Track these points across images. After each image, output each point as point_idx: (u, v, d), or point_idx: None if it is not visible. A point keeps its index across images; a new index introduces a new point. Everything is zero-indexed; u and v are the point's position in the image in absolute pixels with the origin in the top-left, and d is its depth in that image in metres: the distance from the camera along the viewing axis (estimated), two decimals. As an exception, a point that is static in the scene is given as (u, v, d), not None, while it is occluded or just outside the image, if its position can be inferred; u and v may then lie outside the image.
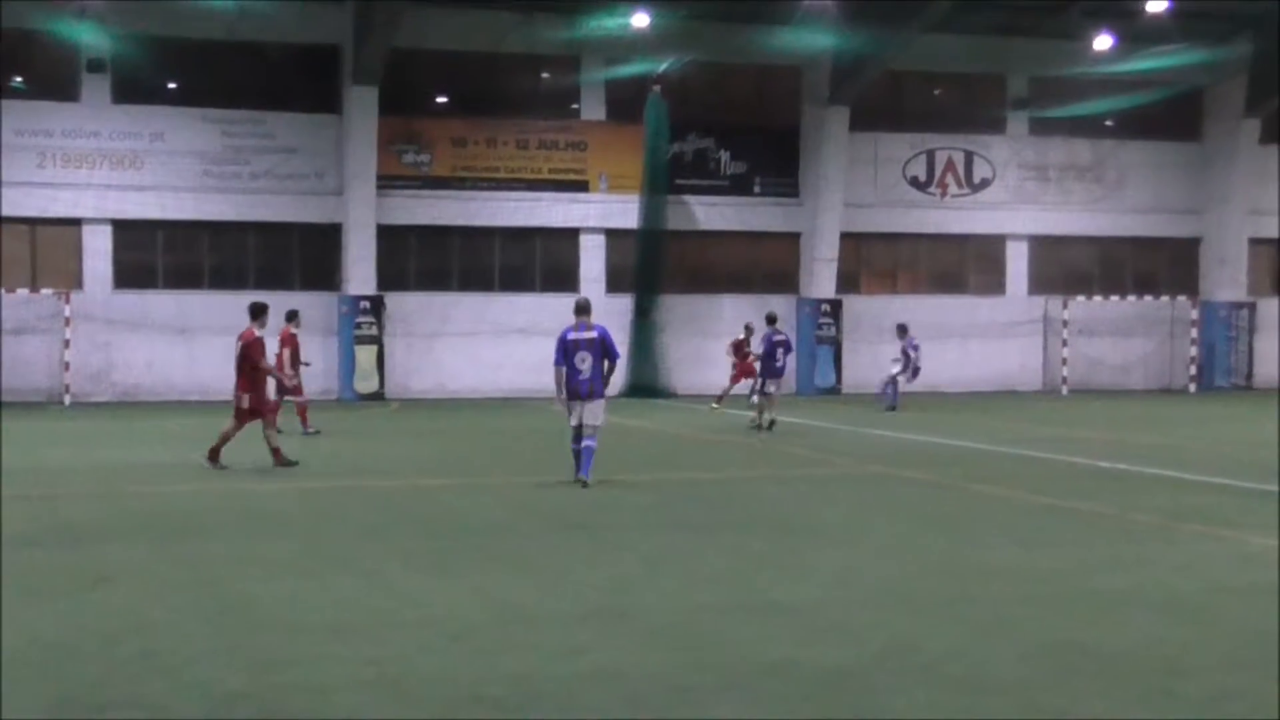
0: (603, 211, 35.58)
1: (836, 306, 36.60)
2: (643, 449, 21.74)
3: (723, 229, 36.50)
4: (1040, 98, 37.90)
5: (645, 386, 34.48)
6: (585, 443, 16.22)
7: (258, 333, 17.99)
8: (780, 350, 24.74)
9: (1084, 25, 35.36)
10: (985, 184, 38.03)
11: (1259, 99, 37.40)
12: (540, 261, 35.56)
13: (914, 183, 37.62)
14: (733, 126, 36.54)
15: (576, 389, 16.06)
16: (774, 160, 36.95)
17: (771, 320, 25.51)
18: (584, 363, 16.04)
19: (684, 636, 8.90)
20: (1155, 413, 30.36)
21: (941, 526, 13.59)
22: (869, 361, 36.06)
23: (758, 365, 25.39)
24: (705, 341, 34.88)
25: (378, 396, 33.09)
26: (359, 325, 33.27)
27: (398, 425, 26.50)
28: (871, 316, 36.75)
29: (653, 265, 35.29)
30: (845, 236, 36.47)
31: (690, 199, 36.12)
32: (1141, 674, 8.09)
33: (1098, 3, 35.04)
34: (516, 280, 35.04)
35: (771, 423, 24.63)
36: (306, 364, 23.84)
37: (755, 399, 25.42)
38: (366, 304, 33.30)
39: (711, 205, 36.32)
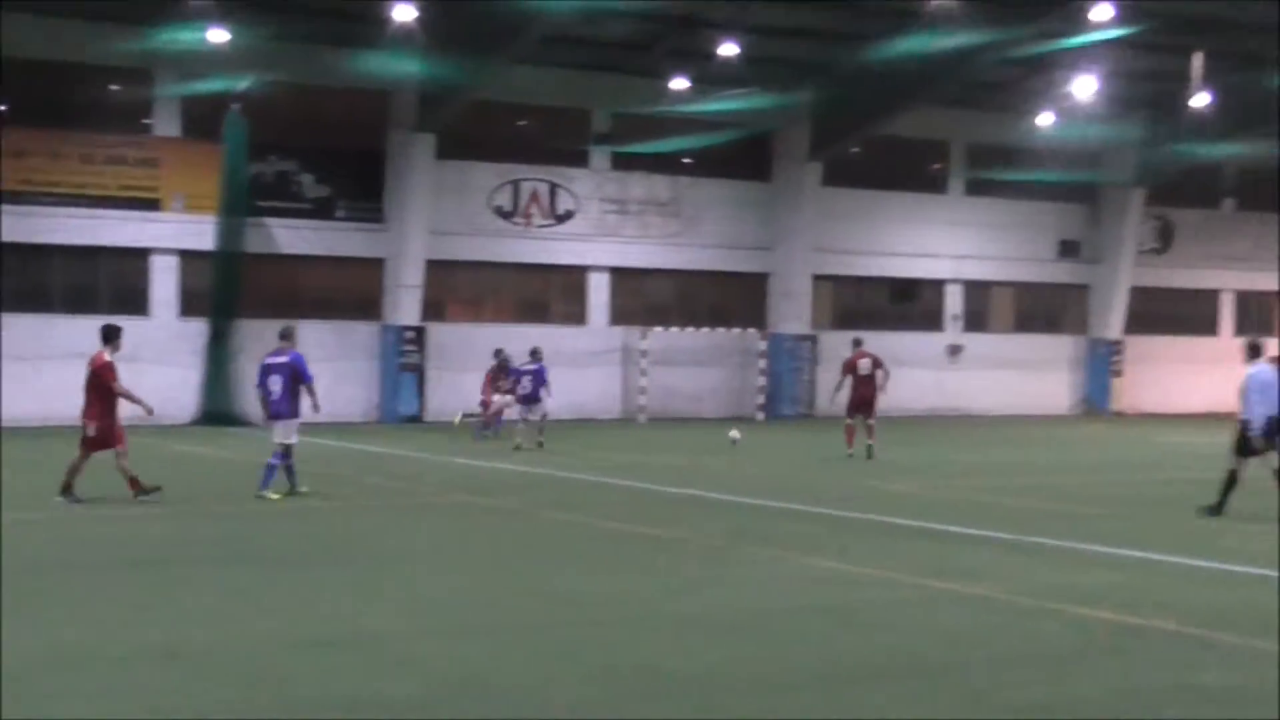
0: (176, 232, 34.19)
1: (420, 333, 36.39)
2: (216, 479, 20.96)
3: (305, 253, 35.70)
4: (622, 133, 38.89)
5: (219, 414, 33.29)
6: (271, 460, 17.57)
7: (108, 356, 16.90)
8: (527, 379, 27.32)
9: (664, 65, 36.54)
10: (569, 215, 38.68)
11: (822, 143, 39.57)
12: (106, 282, 33.81)
13: (499, 212, 37.87)
14: (317, 149, 35.85)
15: (267, 410, 17.61)
16: (359, 185, 36.47)
17: (533, 354, 27.78)
18: (275, 385, 17.41)
19: (244, 674, 8.52)
20: (725, 440, 31.45)
21: (517, 554, 13.62)
22: (453, 389, 36.01)
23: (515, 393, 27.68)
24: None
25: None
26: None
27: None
28: (456, 344, 36.73)
29: (230, 289, 34.17)
30: (430, 264, 36.31)
31: (271, 222, 35.18)
32: (702, 694, 8.26)
33: (678, 44, 36.27)
34: (80, 301, 33.15)
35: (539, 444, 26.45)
36: None
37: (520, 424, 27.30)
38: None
39: (293, 229, 35.48)
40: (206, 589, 11.39)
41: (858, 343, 26.82)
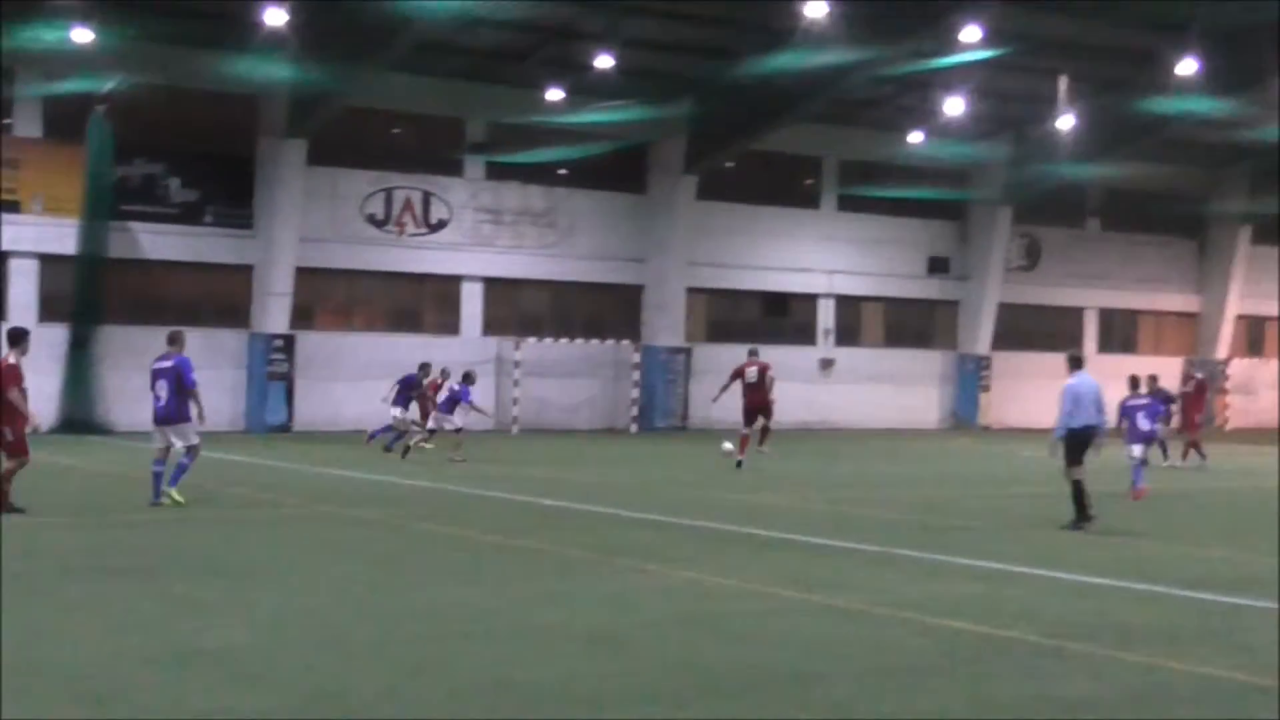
0: (36, 235, 33.35)
1: (290, 342, 35.86)
2: (76, 489, 20.45)
3: (171, 259, 35.04)
4: (497, 143, 38.70)
5: (80, 421, 32.52)
6: (155, 468, 17.71)
7: (13, 360, 16.39)
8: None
9: (540, 75, 36.45)
10: (442, 225, 38.39)
11: (697, 157, 39.74)
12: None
13: (371, 220, 37.48)
14: (184, 153, 35.23)
15: (156, 414, 17.60)
16: (228, 190, 35.88)
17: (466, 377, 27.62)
18: (162, 390, 17.49)
19: (94, 690, 8.25)
20: (598, 452, 31.45)
21: (383, 566, 13.41)
22: (323, 399, 35.53)
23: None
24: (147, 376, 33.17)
25: None
26: None
27: None
28: (326, 353, 36.27)
29: (92, 294, 33.39)
30: (300, 271, 35.82)
31: (136, 226, 34.47)
32: (561, 707, 8.17)
33: (554, 54, 36.22)
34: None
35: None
36: None
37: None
38: None
39: (159, 234, 34.81)
40: (58, 603, 11.05)
41: (752, 352, 27.18)
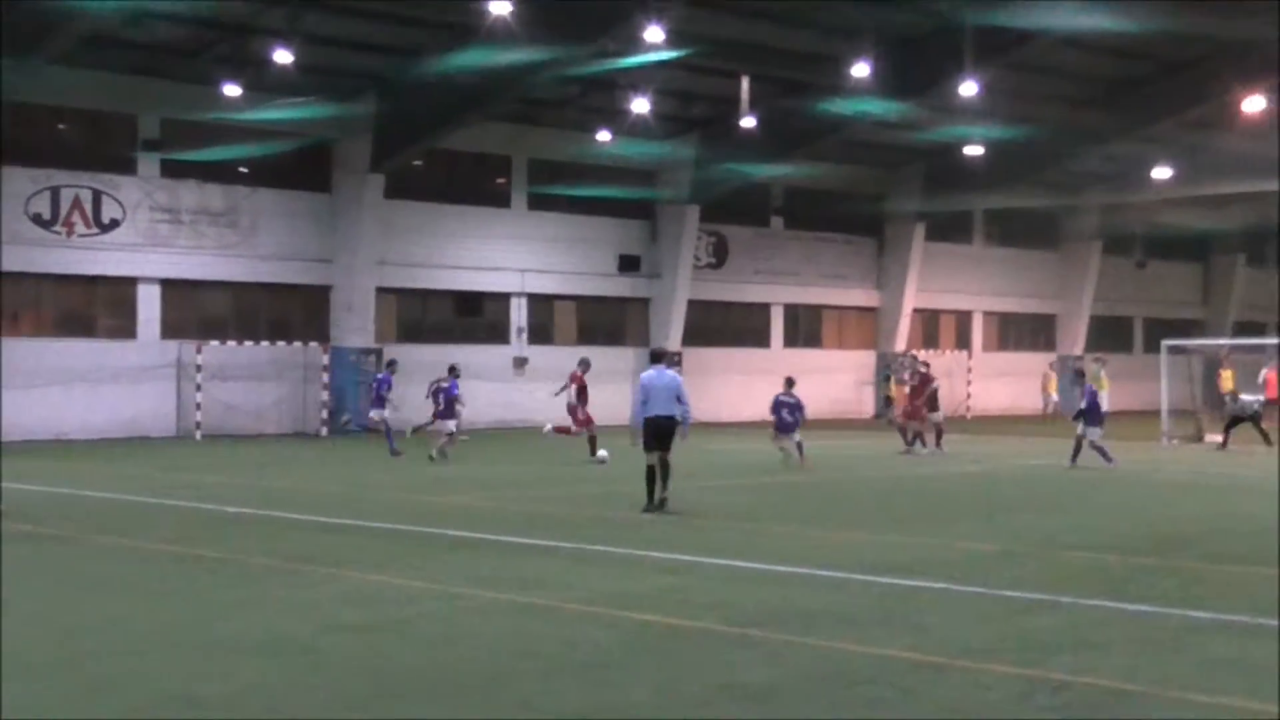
0: None
1: (-51, 350, 33.74)
2: None
3: None
4: (172, 140, 37.22)
5: None
6: None
7: None
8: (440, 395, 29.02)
9: (216, 71, 35.23)
10: (115, 225, 36.67)
11: (383, 155, 39.10)
12: None
13: (37, 220, 35.51)
14: None
15: None
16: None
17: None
18: None
19: None
20: (287, 456, 30.64)
21: (56, 583, 12.71)
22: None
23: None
24: None
25: None
26: None
27: None
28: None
29: None
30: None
31: None
32: (245, 717, 7.90)
33: (230, 50, 35.07)
34: None
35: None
36: None
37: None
38: None
39: None
40: None
41: (583, 362, 29.41)
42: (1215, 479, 24.59)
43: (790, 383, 27.78)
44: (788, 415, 27.11)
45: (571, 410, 28.63)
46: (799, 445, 27.09)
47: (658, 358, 19.18)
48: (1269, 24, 35.50)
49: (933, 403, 31.24)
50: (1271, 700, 8.18)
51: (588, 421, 28.44)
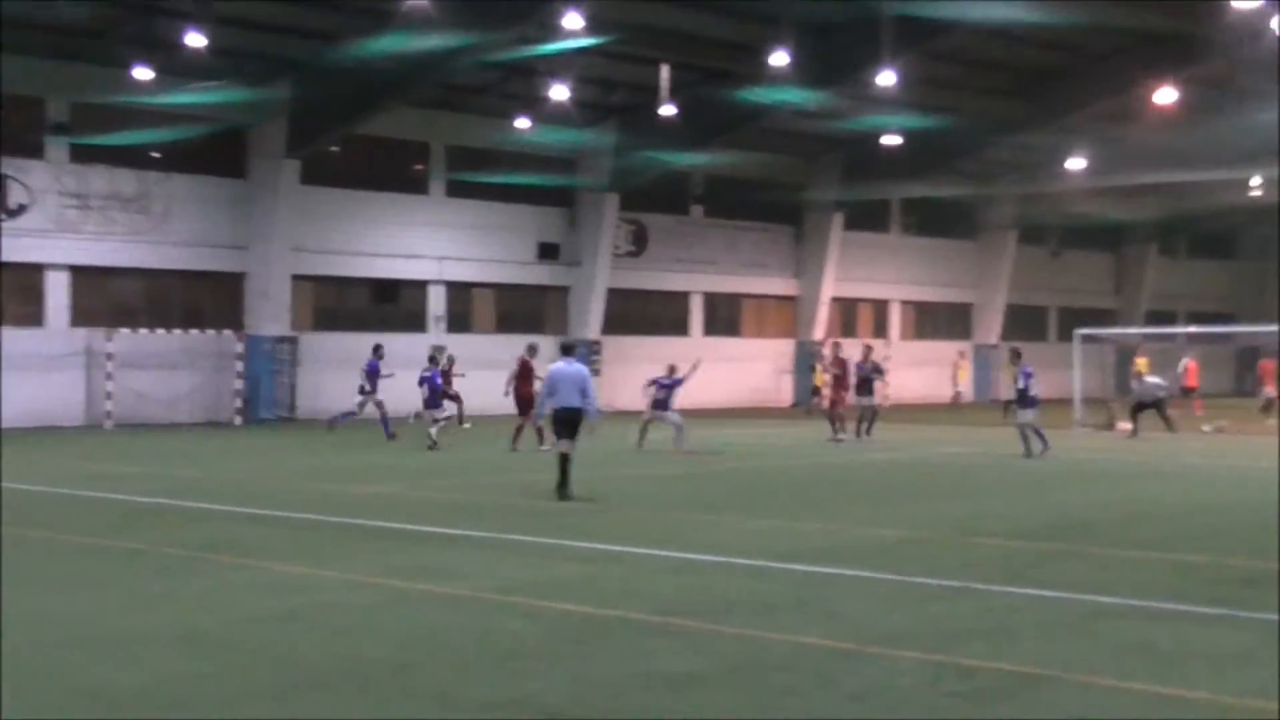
0: None
1: None
2: None
3: None
4: (82, 124, 36.57)
5: None
6: None
7: None
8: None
9: (126, 54, 34.65)
10: (22, 210, 35.90)
11: (299, 141, 38.70)
12: None
13: (-58, 205, 34.89)
14: None
15: None
16: None
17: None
18: None
19: None
20: (200, 446, 30.29)
21: (-45, 575, 12.41)
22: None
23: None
24: None
25: None
26: None
27: None
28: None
29: None
30: None
31: None
32: (157, 710, 7.80)
33: (139, 32, 34.54)
34: None
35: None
36: None
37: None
38: None
39: None
40: None
41: (532, 348, 29.73)
42: (1125, 466, 24.96)
43: (672, 370, 28.87)
44: (659, 392, 28.34)
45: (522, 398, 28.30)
46: (679, 428, 27.39)
47: (567, 350, 19.50)
48: (1180, 18, 36.10)
49: (866, 388, 31.53)
50: (1175, 684, 8.32)
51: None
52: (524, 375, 28.64)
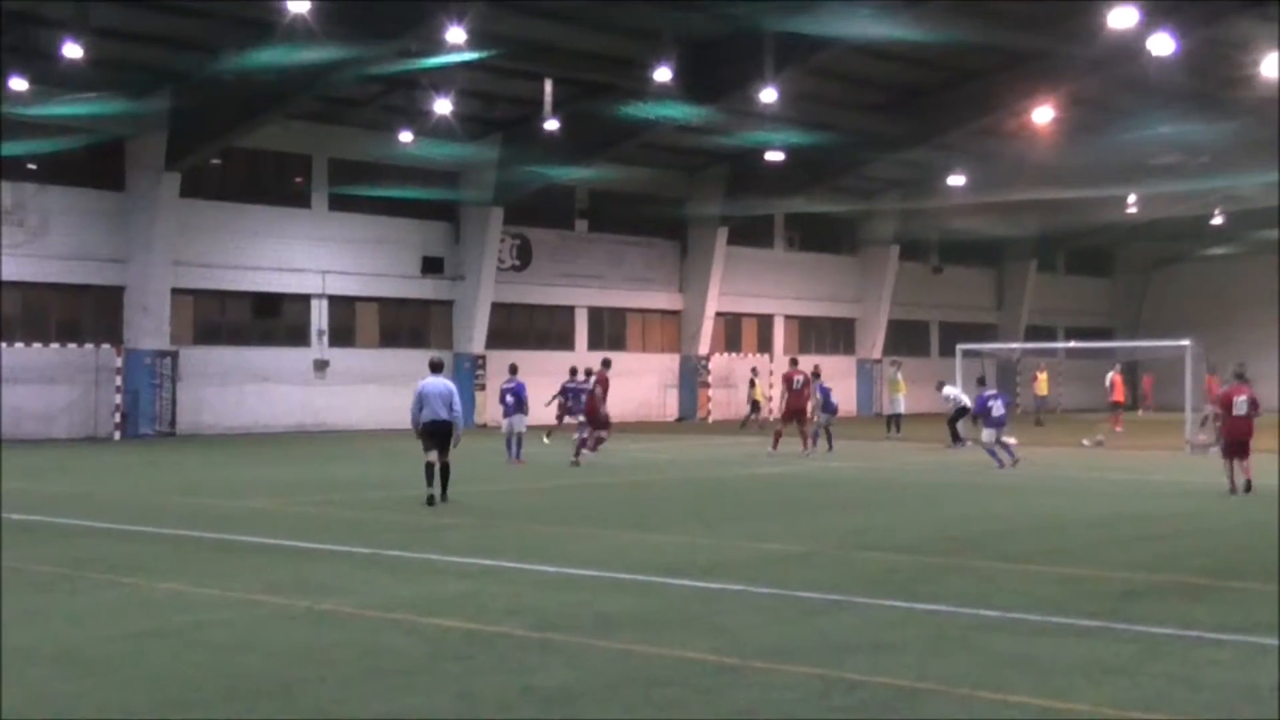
0: None
1: None
2: None
3: None
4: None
5: None
6: None
7: None
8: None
9: (4, 63, 33.80)
10: (-108, 222, 35.12)
11: (179, 153, 38.10)
12: None
13: None
14: None
15: None
16: None
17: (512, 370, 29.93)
18: None
19: None
20: (77, 461, 29.69)
21: None
22: None
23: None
24: None
25: None
26: None
27: None
28: None
29: None
30: None
31: None
32: None
33: (12, 42, 33.75)
34: None
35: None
36: None
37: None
38: None
39: None
40: None
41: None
42: (1006, 479, 25.34)
43: (574, 371, 30.42)
44: (570, 400, 29.17)
45: (592, 411, 28.28)
46: (582, 441, 27.48)
47: (436, 368, 20.81)
48: (1057, 37, 36.83)
49: (828, 404, 33.30)
50: (1055, 696, 8.45)
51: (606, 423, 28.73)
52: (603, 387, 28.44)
